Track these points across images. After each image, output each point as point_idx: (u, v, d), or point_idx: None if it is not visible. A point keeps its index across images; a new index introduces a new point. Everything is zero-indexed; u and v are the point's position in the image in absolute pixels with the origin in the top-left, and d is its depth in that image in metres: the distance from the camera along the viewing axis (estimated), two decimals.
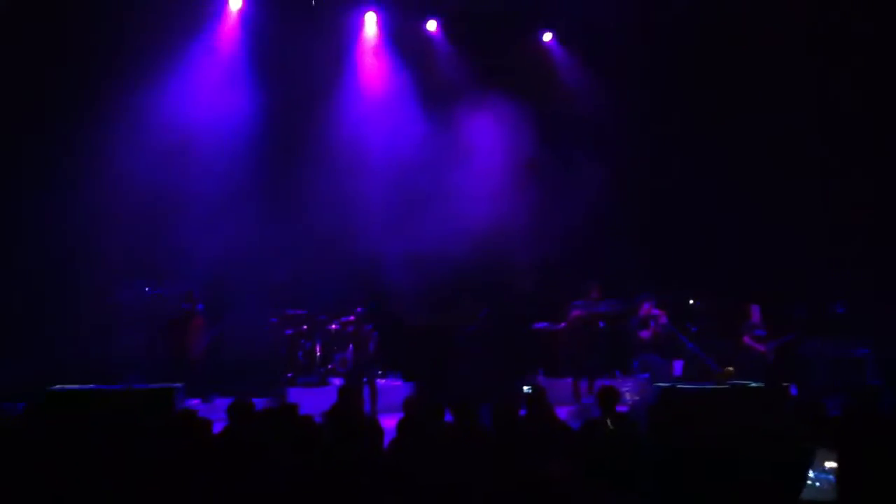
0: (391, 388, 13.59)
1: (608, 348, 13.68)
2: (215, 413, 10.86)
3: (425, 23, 15.44)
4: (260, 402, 10.59)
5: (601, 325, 13.37)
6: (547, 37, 16.15)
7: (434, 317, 14.15)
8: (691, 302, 14.16)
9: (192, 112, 13.51)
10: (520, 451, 6.17)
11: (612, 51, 15.41)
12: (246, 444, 5.72)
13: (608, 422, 6.84)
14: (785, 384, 11.67)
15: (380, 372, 13.40)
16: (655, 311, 12.46)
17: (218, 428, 6.77)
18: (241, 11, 14.13)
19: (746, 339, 13.18)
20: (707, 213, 14.92)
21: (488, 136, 15.62)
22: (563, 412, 11.12)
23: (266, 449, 5.64)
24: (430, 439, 6.18)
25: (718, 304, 14.00)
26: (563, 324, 13.83)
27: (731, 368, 10.57)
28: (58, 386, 9.50)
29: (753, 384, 10.67)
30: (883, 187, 14.12)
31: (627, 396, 13.21)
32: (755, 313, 13.36)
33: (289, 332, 13.50)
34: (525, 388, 7.40)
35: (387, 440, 6.63)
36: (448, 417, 7.04)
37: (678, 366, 13.66)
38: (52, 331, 11.91)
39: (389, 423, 9.68)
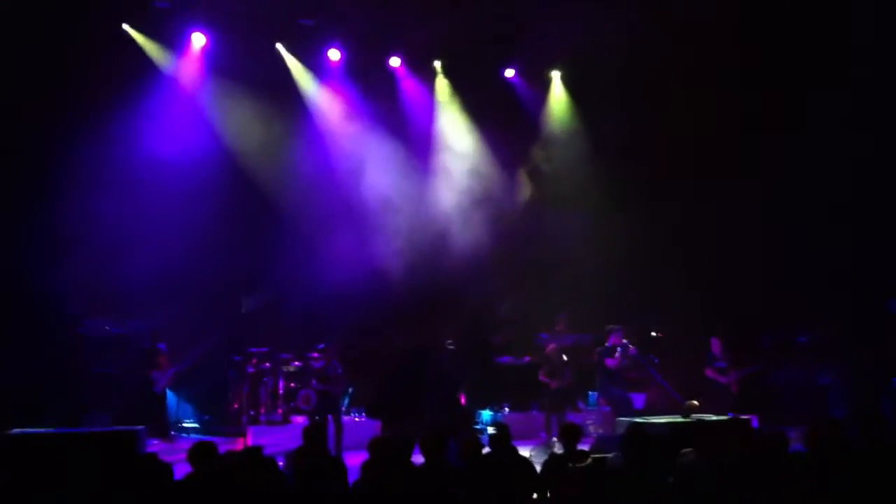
0: (357, 424, 13.51)
1: (573, 381, 13.71)
2: (177, 454, 10.80)
3: (388, 58, 15.52)
4: (222, 442, 10.57)
5: (565, 358, 13.40)
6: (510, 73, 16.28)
7: (399, 343, 14.16)
8: (653, 334, 14.22)
9: (157, 148, 13.43)
10: (485, 489, 6.16)
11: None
12: (209, 491, 5.67)
13: (569, 463, 6.85)
14: (747, 416, 11.75)
15: (344, 409, 13.32)
16: (623, 343, 12.53)
17: (180, 470, 6.68)
18: (204, 48, 14.09)
19: (709, 373, 13.26)
20: (672, 245, 15.08)
21: (457, 164, 15.78)
22: (528, 446, 11.17)
23: (230, 495, 5.59)
24: (395, 481, 6.13)
25: (680, 337, 14.09)
26: (526, 357, 13.87)
27: (695, 402, 10.62)
28: (15, 430, 9.29)
29: (716, 417, 10.73)
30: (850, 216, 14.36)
31: (591, 430, 13.27)
32: (715, 346, 13.46)
33: (251, 370, 13.37)
34: (489, 429, 7.37)
35: (352, 478, 6.58)
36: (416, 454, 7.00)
37: (639, 399, 13.72)
38: (12, 367, 11.71)
39: (355, 460, 9.64)
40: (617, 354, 12.48)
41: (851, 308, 14.34)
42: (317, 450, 7.28)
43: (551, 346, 13.27)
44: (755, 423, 11.95)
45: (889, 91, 13.70)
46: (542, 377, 13.17)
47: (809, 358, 14.71)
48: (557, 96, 16.66)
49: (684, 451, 7.73)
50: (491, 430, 7.28)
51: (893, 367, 13.35)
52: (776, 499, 5.96)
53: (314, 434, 7.39)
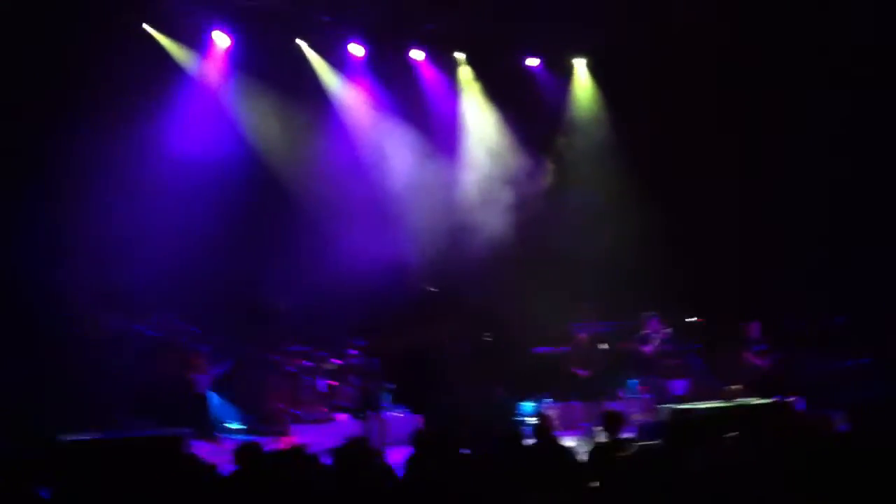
0: (400, 420, 13.54)
1: (611, 369, 13.66)
2: (223, 455, 10.87)
3: (410, 51, 15.52)
4: (266, 441, 10.62)
5: (601, 346, 13.34)
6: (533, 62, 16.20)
7: (431, 337, 14.16)
8: (689, 319, 14.13)
9: (182, 147, 13.49)
10: (529, 479, 6.15)
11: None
12: (254, 490, 5.72)
13: (615, 451, 6.84)
14: (790, 399, 11.67)
15: (386, 405, 13.35)
16: (659, 329, 12.46)
17: (226, 471, 6.73)
18: (227, 48, 14.16)
19: (748, 356, 13.16)
20: (705, 231, 14.97)
21: (481, 155, 15.75)
22: (572, 436, 11.15)
23: (274, 493, 5.63)
24: (440, 473, 6.15)
25: (719, 322, 13.98)
26: (565, 347, 13.83)
27: (739, 386, 10.55)
28: (68, 437, 9.34)
29: (759, 401, 10.66)
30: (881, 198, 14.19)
31: (633, 417, 13.22)
32: (755, 329, 13.37)
33: (291, 369, 13.43)
34: (532, 419, 7.38)
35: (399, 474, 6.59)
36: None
37: (680, 385, 13.64)
38: (51, 372, 11.78)
39: (398, 455, 9.67)
40: (654, 341, 12.41)
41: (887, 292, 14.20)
42: (361, 446, 7.30)
43: (581, 336, 13.20)
44: (800, 405, 11.89)
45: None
46: (572, 368, 13.13)
47: (846, 339, 14.57)
48: (581, 85, 16.58)
49: (728, 434, 7.72)
50: (533, 420, 7.27)
51: None
52: (819, 482, 5.90)
53: (359, 431, 7.42)
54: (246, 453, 6.33)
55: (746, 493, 5.75)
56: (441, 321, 14.00)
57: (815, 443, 6.68)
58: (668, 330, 12.63)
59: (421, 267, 14.69)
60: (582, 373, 13.01)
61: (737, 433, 7.48)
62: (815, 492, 5.66)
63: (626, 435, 7.78)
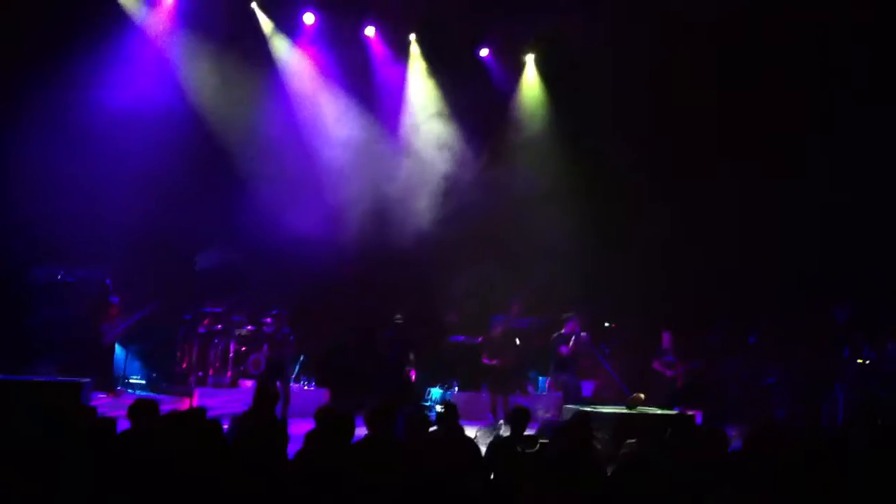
0: (306, 392, 13.49)
1: (522, 364, 13.78)
2: (121, 409, 10.69)
3: (363, 27, 15.40)
4: (167, 400, 10.52)
5: (517, 341, 13.44)
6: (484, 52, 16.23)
7: (350, 314, 14.13)
8: (606, 324, 14.35)
9: (121, 97, 13.22)
10: (428, 466, 6.16)
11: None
12: (144, 448, 5.61)
13: (517, 446, 6.89)
14: (691, 412, 11.93)
15: (294, 376, 13.28)
16: (578, 330, 12.59)
17: (122, 426, 6.61)
18: (176, 1, 13.88)
19: (656, 365, 13.40)
20: (630, 236, 15.18)
21: (424, 138, 15.72)
22: (475, 426, 11.22)
23: (166, 453, 5.53)
24: (338, 452, 6.11)
25: (632, 328, 14.22)
26: (480, 338, 13.89)
27: (641, 395, 10.75)
28: None
29: (661, 411, 10.87)
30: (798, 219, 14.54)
31: (540, 414, 13.38)
32: (666, 339, 13.62)
33: (202, 330, 13.26)
34: (438, 406, 7.39)
35: (296, 447, 6.54)
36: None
37: (588, 386, 13.83)
38: None
39: (299, 428, 9.61)
40: (571, 342, 12.54)
41: (799, 312, 14.57)
42: (263, 414, 7.24)
43: (497, 329, 13.28)
44: (699, 418, 12.15)
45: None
46: (484, 359, 13.20)
47: (755, 357, 14.94)
48: (530, 79, 16.65)
49: (628, 441, 7.84)
50: (439, 407, 7.28)
51: (835, 374, 13.60)
52: (713, 494, 6.02)
53: (263, 398, 7.32)
54: (141, 410, 6.21)
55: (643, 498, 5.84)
56: (368, 301, 13.98)
57: (710, 457, 6.83)
58: (585, 333, 12.77)
59: (350, 242, 14.60)
60: (490, 363, 13.07)
61: (635, 440, 7.60)
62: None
63: (529, 432, 7.82)
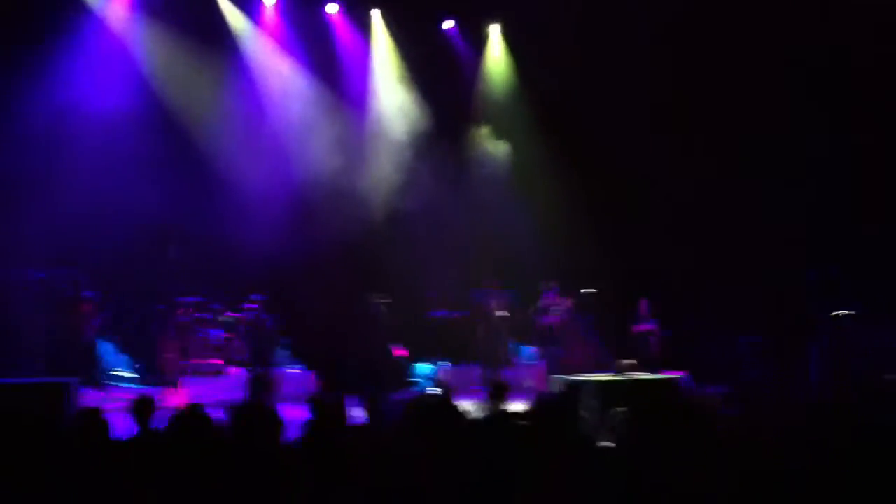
0: (294, 376, 13.48)
1: (508, 336, 13.87)
2: (111, 403, 10.63)
3: (325, 4, 15.26)
4: (154, 392, 10.45)
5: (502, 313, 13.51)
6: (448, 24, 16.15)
7: (329, 296, 14.11)
8: (584, 291, 14.41)
9: (80, 90, 13.03)
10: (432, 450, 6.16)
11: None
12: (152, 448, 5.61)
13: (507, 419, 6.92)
14: (677, 375, 12.08)
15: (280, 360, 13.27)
16: (558, 300, 12.67)
17: (114, 422, 6.57)
18: None
19: (637, 330, 13.54)
20: (604, 204, 15.26)
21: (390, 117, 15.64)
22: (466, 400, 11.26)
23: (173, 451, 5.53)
24: (337, 440, 6.13)
25: (610, 296, 14.30)
26: (461, 312, 13.97)
27: (632, 361, 10.84)
28: None
29: (650, 376, 10.98)
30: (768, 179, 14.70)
31: (526, 384, 13.51)
32: (643, 306, 13.76)
33: (183, 319, 13.17)
34: (431, 388, 7.40)
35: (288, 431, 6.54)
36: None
37: (572, 354, 13.91)
38: None
39: (288, 413, 9.58)
40: (552, 311, 12.61)
41: (774, 273, 14.73)
42: (261, 402, 7.21)
43: (491, 303, 13.35)
44: (687, 380, 12.30)
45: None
46: (479, 333, 13.28)
47: (732, 318, 15.09)
48: (495, 51, 16.60)
49: (616, 410, 7.90)
50: (434, 390, 7.30)
51: (810, 332, 13.80)
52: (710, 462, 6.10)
53: (257, 387, 7.30)
54: (142, 408, 6.18)
55: (640, 469, 5.90)
56: (341, 280, 13.94)
57: (701, 424, 6.92)
58: (567, 301, 12.85)
59: (322, 223, 14.53)
60: (486, 339, 13.17)
61: (625, 409, 7.67)
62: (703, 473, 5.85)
63: (512, 404, 7.83)
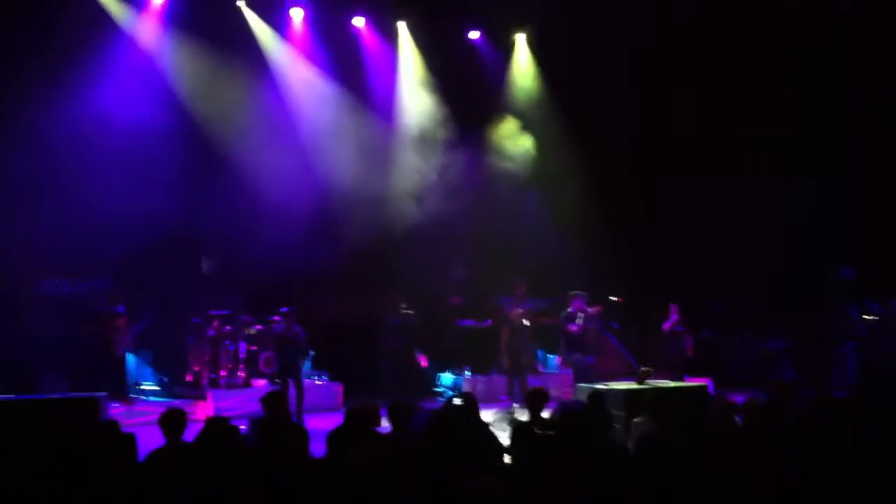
0: (319, 387, 13.57)
1: (534, 345, 13.87)
2: (137, 416, 10.78)
3: (352, 18, 15.38)
4: (183, 404, 10.57)
5: (525, 322, 13.50)
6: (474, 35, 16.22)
7: (354, 307, 14.17)
8: (612, 298, 14.39)
9: (114, 105, 13.21)
10: (454, 465, 6.19)
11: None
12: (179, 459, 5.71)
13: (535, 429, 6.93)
14: (702, 381, 12.04)
15: (306, 372, 13.35)
16: (586, 308, 12.65)
17: (142, 436, 6.68)
18: (164, 4, 13.85)
19: (664, 337, 13.51)
20: (630, 212, 15.24)
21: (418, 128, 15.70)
22: (490, 409, 11.32)
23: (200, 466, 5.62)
24: (362, 451, 6.17)
25: (640, 302, 14.26)
26: (489, 321, 13.96)
27: (649, 368, 10.81)
28: None
29: (673, 384, 10.94)
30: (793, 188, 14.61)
31: (552, 393, 13.48)
32: (674, 311, 13.71)
33: (212, 332, 13.31)
34: (455, 399, 7.40)
35: (314, 442, 6.61)
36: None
37: (598, 362, 13.87)
38: None
39: (315, 423, 9.67)
40: (579, 320, 12.58)
41: (803, 275, 14.64)
42: (278, 418, 7.27)
43: (516, 311, 13.35)
44: (711, 388, 12.24)
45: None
46: (503, 341, 13.29)
47: (760, 323, 15.01)
48: (522, 60, 16.62)
49: (636, 420, 7.87)
50: (457, 400, 7.30)
51: (843, 334, 13.68)
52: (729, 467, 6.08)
53: (273, 402, 7.35)
54: (172, 420, 6.26)
55: (667, 477, 5.90)
56: (371, 293, 14.00)
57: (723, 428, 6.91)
58: (593, 309, 12.81)
59: (349, 233, 14.60)
60: (512, 346, 13.18)
61: (641, 419, 7.66)
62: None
63: (547, 413, 7.85)
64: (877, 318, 13.63)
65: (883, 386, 12.08)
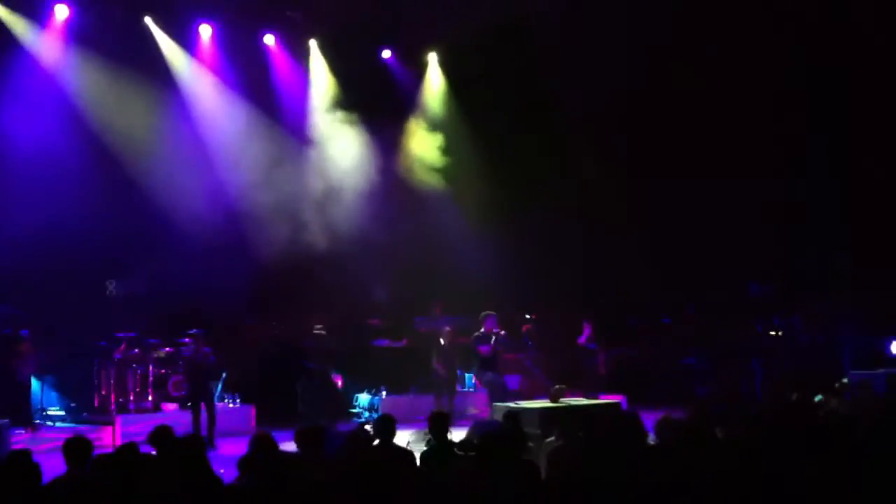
0: (231, 410, 13.33)
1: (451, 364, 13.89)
2: (42, 443, 10.40)
3: (262, 35, 15.25)
4: (89, 430, 10.24)
5: (442, 342, 13.54)
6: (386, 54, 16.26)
7: (268, 328, 13.99)
8: (527, 316, 14.52)
9: (17, 127, 12.84)
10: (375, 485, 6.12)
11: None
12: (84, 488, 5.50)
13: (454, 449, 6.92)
14: (616, 398, 12.21)
15: (217, 395, 13.10)
16: (496, 329, 12.70)
17: (46, 463, 6.42)
18: (67, 20, 13.50)
19: (577, 354, 13.69)
20: (544, 231, 15.41)
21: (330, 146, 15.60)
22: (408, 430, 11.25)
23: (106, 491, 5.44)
24: (271, 477, 6.06)
25: (553, 320, 14.42)
26: (404, 340, 13.93)
27: (563, 386, 10.93)
28: None
29: (586, 402, 11.07)
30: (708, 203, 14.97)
31: (470, 411, 13.60)
32: (587, 327, 13.90)
33: (118, 356, 12.95)
34: (366, 427, 7.32)
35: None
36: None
37: (513, 381, 13.97)
38: None
39: (228, 448, 9.47)
40: (490, 341, 12.64)
41: (714, 290, 15.01)
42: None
43: (445, 329, 13.43)
44: (624, 404, 12.42)
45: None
46: (435, 364, 13.32)
47: (673, 339, 15.32)
48: (434, 79, 16.73)
49: (548, 440, 7.92)
50: (367, 426, 7.20)
51: (752, 348, 14.07)
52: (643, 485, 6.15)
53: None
54: (76, 450, 6.03)
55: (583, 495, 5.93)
56: (286, 314, 13.85)
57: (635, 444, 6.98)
58: (503, 332, 12.87)
59: (268, 257, 14.41)
60: (441, 369, 13.23)
61: (552, 439, 7.72)
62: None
63: (453, 435, 7.78)
64: (781, 335, 14.06)
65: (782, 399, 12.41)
